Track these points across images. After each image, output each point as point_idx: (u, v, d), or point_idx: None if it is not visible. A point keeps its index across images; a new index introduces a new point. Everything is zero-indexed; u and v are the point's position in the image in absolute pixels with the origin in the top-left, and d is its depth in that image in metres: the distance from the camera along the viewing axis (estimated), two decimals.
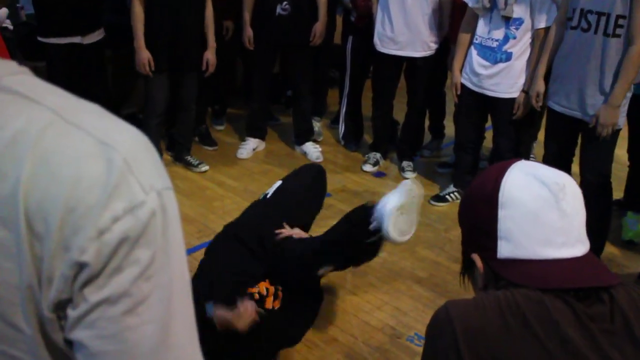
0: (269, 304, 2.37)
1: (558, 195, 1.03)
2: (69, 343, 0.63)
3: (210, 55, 3.96)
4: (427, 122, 4.59)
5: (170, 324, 0.63)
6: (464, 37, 3.67)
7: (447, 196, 3.96)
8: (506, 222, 1.04)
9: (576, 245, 1.04)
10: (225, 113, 5.07)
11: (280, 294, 2.42)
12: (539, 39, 3.35)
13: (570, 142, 3.26)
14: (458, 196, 3.96)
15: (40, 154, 0.59)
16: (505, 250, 1.04)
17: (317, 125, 4.87)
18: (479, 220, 1.08)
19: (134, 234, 0.60)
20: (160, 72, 3.79)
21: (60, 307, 0.60)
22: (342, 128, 4.71)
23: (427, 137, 4.69)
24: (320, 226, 2.81)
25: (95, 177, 0.59)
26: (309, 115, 4.63)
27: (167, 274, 0.63)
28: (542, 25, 3.32)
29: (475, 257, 1.09)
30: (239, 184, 4.08)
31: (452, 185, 4.00)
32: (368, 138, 4.72)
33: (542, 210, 1.03)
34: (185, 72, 3.92)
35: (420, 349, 2.62)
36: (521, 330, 0.97)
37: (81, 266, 0.58)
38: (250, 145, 4.51)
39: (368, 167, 4.37)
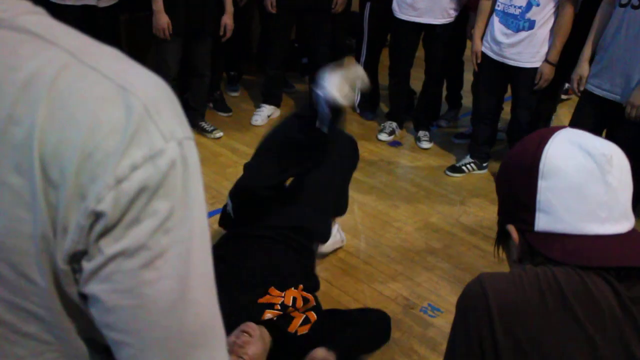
0: (294, 326, 2.09)
1: (604, 167, 0.96)
2: (84, 297, 0.61)
3: (228, 20, 3.92)
4: (444, 92, 4.53)
5: (189, 280, 0.61)
6: (485, 4, 3.59)
7: (464, 167, 3.92)
8: (546, 194, 0.98)
9: (620, 221, 0.98)
10: (240, 79, 5.02)
11: (312, 317, 2.14)
12: (563, 6, 3.26)
13: (599, 126, 3.11)
14: (474, 167, 3.91)
15: (56, 97, 0.56)
16: (543, 223, 0.99)
17: None
18: (517, 190, 1.03)
19: (153, 183, 0.57)
20: (176, 35, 3.75)
21: (75, 259, 0.58)
22: (358, 97, 4.66)
23: (444, 107, 4.63)
24: None
25: (114, 122, 0.56)
26: None
27: (186, 228, 0.60)
28: None
29: (511, 229, 1.04)
30: (253, 150, 4.04)
31: (468, 156, 3.95)
32: (384, 107, 4.67)
33: (586, 182, 0.96)
34: (201, 38, 3.87)
35: (433, 320, 2.61)
36: (560, 311, 0.92)
37: (97, 216, 0.56)
38: (265, 112, 4.47)
39: (383, 137, 4.32)
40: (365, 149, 4.19)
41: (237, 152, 4.03)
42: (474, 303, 0.96)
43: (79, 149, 0.55)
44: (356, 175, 3.68)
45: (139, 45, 4.32)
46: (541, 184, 0.99)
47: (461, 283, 2.85)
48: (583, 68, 3.11)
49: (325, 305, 2.65)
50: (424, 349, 2.47)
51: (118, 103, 0.57)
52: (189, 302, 0.62)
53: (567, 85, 4.55)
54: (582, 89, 3.11)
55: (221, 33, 3.93)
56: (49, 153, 0.55)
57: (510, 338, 0.91)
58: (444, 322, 2.62)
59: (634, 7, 2.79)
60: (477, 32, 3.64)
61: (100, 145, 0.55)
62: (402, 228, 3.30)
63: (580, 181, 0.96)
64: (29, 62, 0.57)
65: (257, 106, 4.55)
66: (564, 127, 1.05)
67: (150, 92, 0.59)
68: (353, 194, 3.25)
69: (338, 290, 2.78)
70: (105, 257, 0.57)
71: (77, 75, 0.57)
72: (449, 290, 2.82)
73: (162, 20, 3.66)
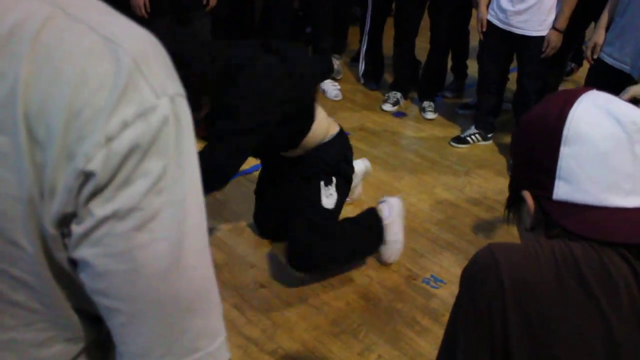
0: None
1: (633, 136, 0.89)
2: (74, 263, 0.59)
3: None
4: (449, 62, 4.48)
5: (184, 243, 0.59)
6: None
7: (468, 138, 3.88)
8: (569, 161, 0.91)
9: None
10: None
11: None
12: None
13: None
14: (479, 138, 3.88)
15: (41, 51, 0.53)
16: (563, 191, 0.92)
17: (336, 63, 4.76)
18: (537, 155, 0.95)
19: (145, 141, 0.54)
20: (161, 15, 3.58)
21: (64, 222, 0.56)
22: (362, 66, 4.61)
23: (450, 77, 4.58)
24: None
25: (103, 77, 0.53)
26: (329, 53, 4.53)
27: (180, 189, 0.58)
28: None
29: (527, 195, 0.97)
30: None
31: (473, 127, 3.92)
32: (388, 77, 4.62)
33: (612, 151, 0.89)
34: (191, 12, 3.70)
35: (435, 291, 2.61)
36: (576, 287, 0.86)
37: (87, 176, 0.53)
38: None
39: (388, 107, 4.28)
40: (369, 119, 4.16)
41: None
42: (484, 275, 0.89)
43: (66, 105, 0.52)
44: (360, 145, 3.66)
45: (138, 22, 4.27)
46: (564, 150, 0.91)
47: (465, 254, 2.85)
48: (599, 35, 3.02)
49: (328, 278, 2.66)
50: (427, 320, 2.48)
51: (106, 56, 0.54)
52: (183, 266, 0.59)
53: (571, 65, 4.48)
54: (595, 56, 3.03)
55: (204, 2, 3.72)
56: (34, 110, 0.53)
57: (521, 313, 0.86)
58: (446, 294, 2.62)
59: None
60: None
61: (89, 101, 0.53)
62: (406, 199, 3.27)
63: (607, 150, 0.89)
64: (9, 13, 0.54)
65: None
66: (590, 88, 0.97)
67: (139, 45, 0.56)
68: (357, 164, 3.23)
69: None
70: (96, 220, 0.55)
71: (62, 28, 0.54)
72: (452, 262, 2.81)
73: None
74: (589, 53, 3.08)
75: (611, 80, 2.90)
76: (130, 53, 0.55)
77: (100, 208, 0.55)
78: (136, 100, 0.54)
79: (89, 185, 0.54)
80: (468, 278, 0.93)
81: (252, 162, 3.45)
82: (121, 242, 0.56)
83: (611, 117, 0.90)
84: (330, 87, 4.43)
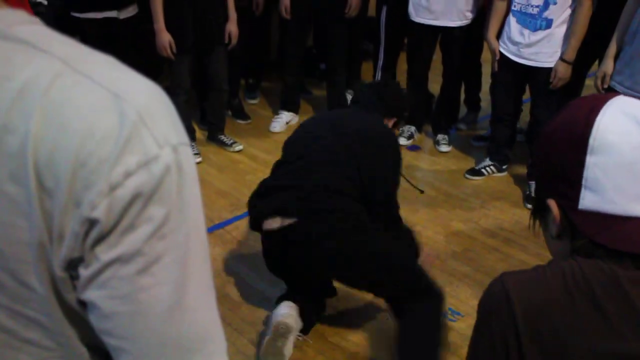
0: None
1: None
2: (82, 304, 0.62)
3: (232, 27, 3.85)
4: (462, 95, 4.51)
5: (186, 286, 0.61)
6: (499, 5, 3.56)
7: (483, 170, 3.90)
8: (595, 171, 0.88)
9: None
10: (259, 86, 5.05)
11: None
12: (581, 4, 3.23)
13: None
14: (494, 170, 3.89)
15: (50, 106, 0.56)
16: (589, 201, 0.89)
17: (351, 98, 4.82)
18: (562, 164, 0.92)
19: (148, 189, 0.57)
20: (185, 52, 3.70)
21: (72, 265, 0.59)
22: None
23: (463, 110, 4.62)
24: None
25: (107, 130, 0.56)
26: (343, 89, 4.59)
27: (182, 234, 0.60)
28: None
29: (552, 204, 0.94)
30: (272, 157, 4.04)
31: (487, 159, 3.93)
32: None
33: None
34: (213, 51, 3.83)
35: (453, 324, 2.60)
36: (590, 309, 0.85)
37: (92, 223, 0.56)
38: (284, 119, 4.50)
39: (402, 141, 4.31)
40: None
41: (257, 160, 4.05)
42: (497, 306, 0.90)
43: (73, 156, 0.56)
44: None
45: (159, 55, 4.38)
46: (590, 160, 0.88)
47: (481, 286, 2.83)
48: (607, 65, 3.06)
49: (340, 308, 2.66)
50: (445, 354, 2.47)
51: (111, 110, 0.57)
52: (186, 308, 0.62)
53: None
54: (606, 86, 3.06)
55: (226, 41, 3.86)
56: (43, 161, 0.56)
57: (536, 341, 0.86)
58: (464, 326, 2.61)
59: None
60: (491, 31, 3.61)
61: (94, 152, 0.56)
62: (422, 232, 3.29)
63: (635, 159, 0.87)
64: (22, 71, 0.57)
65: (276, 113, 4.58)
66: (616, 94, 0.94)
67: (143, 98, 0.59)
68: None
69: (355, 294, 2.78)
70: (102, 264, 0.58)
71: (70, 84, 0.57)
72: (469, 294, 2.81)
73: (164, 38, 3.60)
74: (599, 83, 3.11)
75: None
76: (134, 106, 0.58)
77: (105, 253, 0.58)
78: (139, 151, 0.57)
79: (94, 232, 0.57)
80: (482, 309, 0.94)
81: None
82: (125, 285, 0.59)
83: (639, 125, 0.88)
84: None
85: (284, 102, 4.54)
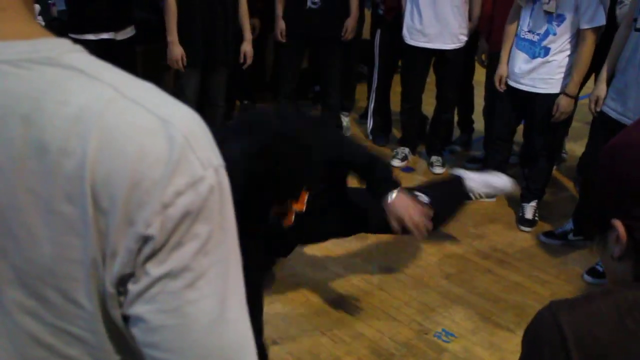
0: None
1: None
2: (125, 319, 0.64)
3: (247, 47, 3.93)
4: (455, 117, 4.55)
5: (227, 299, 0.65)
6: (510, 29, 3.57)
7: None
8: None
9: None
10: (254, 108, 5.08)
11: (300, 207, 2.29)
12: (584, 40, 3.25)
13: None
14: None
15: (105, 130, 0.60)
16: None
17: (345, 120, 4.86)
18: (630, 180, 0.88)
19: (195, 208, 0.61)
20: (194, 66, 3.77)
21: (122, 282, 0.62)
22: (370, 123, 4.69)
23: (457, 132, 4.65)
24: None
25: (159, 153, 0.60)
26: (338, 111, 4.62)
27: (224, 250, 0.64)
28: (586, 26, 3.21)
29: (617, 224, 0.89)
30: None
31: None
32: (396, 133, 4.70)
33: None
34: (218, 68, 3.88)
35: (447, 345, 2.61)
36: None
37: (146, 239, 0.60)
38: None
39: (396, 162, 4.34)
40: None
41: None
42: (548, 335, 0.86)
43: (128, 179, 0.59)
44: None
45: (155, 76, 4.41)
46: None
47: (475, 308, 2.85)
48: (600, 89, 3.10)
49: (339, 333, 2.66)
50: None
51: (161, 134, 0.61)
52: (227, 320, 0.65)
53: None
54: (599, 109, 3.10)
55: (241, 61, 3.94)
56: (99, 183, 0.59)
57: None
58: (458, 348, 2.62)
59: None
60: (504, 56, 3.59)
61: (148, 174, 0.59)
62: (416, 253, 3.30)
63: None
64: (77, 97, 0.61)
65: None
66: None
67: (188, 123, 0.63)
68: None
69: (351, 317, 2.78)
70: (152, 279, 0.61)
71: (122, 109, 0.61)
72: (462, 316, 2.81)
73: (177, 51, 3.68)
74: (592, 106, 3.14)
75: (616, 133, 2.93)
76: (181, 131, 0.62)
77: (155, 268, 0.61)
78: (187, 172, 0.61)
79: (147, 248, 0.60)
80: (531, 340, 0.90)
81: None
82: (173, 299, 0.62)
83: None
84: None
85: None
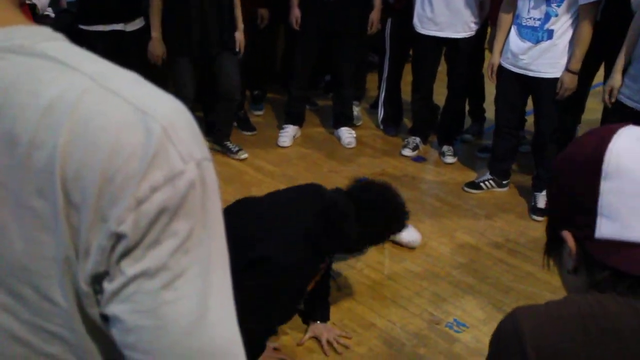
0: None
1: None
2: (105, 318, 0.62)
3: (240, 37, 3.89)
4: (467, 106, 4.52)
5: (208, 300, 0.61)
6: (504, 17, 3.57)
7: (482, 184, 3.87)
8: (610, 197, 0.86)
9: None
10: (264, 98, 5.07)
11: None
12: (583, 15, 3.23)
13: None
14: (493, 184, 3.87)
15: (78, 122, 0.57)
16: (606, 229, 0.87)
17: (356, 109, 4.83)
18: (576, 193, 0.90)
19: (173, 204, 0.58)
20: (186, 55, 3.75)
21: (97, 280, 0.59)
22: (381, 112, 4.67)
23: (468, 121, 4.62)
24: None
25: (134, 146, 0.57)
26: (350, 102, 4.60)
27: (206, 249, 0.61)
28: (584, 1, 3.18)
29: (567, 235, 0.91)
30: (277, 169, 4.09)
31: (488, 173, 3.92)
32: (407, 122, 4.68)
33: None
34: (218, 56, 3.84)
35: (458, 336, 2.60)
36: (608, 346, 0.82)
37: (119, 237, 0.57)
38: (290, 133, 4.48)
39: (407, 152, 4.32)
40: (389, 165, 4.20)
41: (262, 171, 4.06)
42: (507, 345, 0.86)
43: (101, 172, 0.56)
44: None
45: (164, 67, 4.41)
46: (604, 186, 0.86)
47: (487, 298, 2.84)
48: (615, 79, 3.07)
49: (350, 324, 2.66)
50: None
51: (138, 127, 0.58)
52: (209, 322, 0.62)
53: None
54: (613, 100, 3.07)
55: (237, 49, 3.90)
56: (70, 176, 0.57)
57: None
58: (469, 338, 2.61)
59: None
60: (497, 45, 3.62)
61: (121, 168, 0.56)
62: (427, 243, 3.29)
63: None
64: (50, 87, 0.58)
65: (281, 124, 4.58)
66: (628, 123, 0.92)
67: (169, 115, 0.60)
68: None
69: (363, 307, 2.78)
70: (127, 278, 0.58)
71: (97, 100, 0.58)
72: (474, 305, 2.80)
73: (158, 48, 3.69)
74: (606, 97, 3.11)
75: (635, 123, 2.90)
76: (160, 123, 0.59)
77: (130, 267, 0.58)
78: (165, 166, 0.58)
79: (120, 246, 0.58)
80: (493, 348, 0.90)
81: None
82: (150, 299, 0.59)
83: None
84: (345, 135, 4.48)
85: (289, 114, 4.54)
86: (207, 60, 3.88)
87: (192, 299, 0.60)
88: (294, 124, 4.52)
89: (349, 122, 4.58)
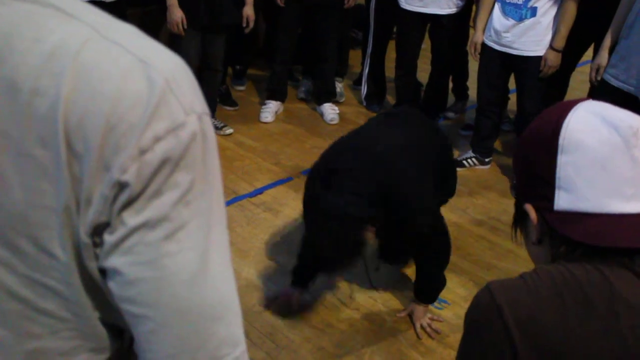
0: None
1: (630, 140, 0.88)
2: (103, 273, 0.61)
3: (249, 11, 3.88)
4: (450, 84, 4.51)
5: (209, 253, 0.62)
6: None
7: (465, 161, 3.88)
8: (567, 169, 0.89)
9: None
10: (246, 73, 5.02)
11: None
12: None
13: None
14: (476, 162, 3.87)
15: (81, 70, 0.56)
16: (564, 201, 0.90)
17: (339, 86, 4.80)
18: (535, 166, 0.94)
19: (175, 155, 0.58)
20: (195, 28, 3.70)
21: (98, 231, 0.59)
22: (364, 89, 4.65)
23: (451, 99, 4.61)
24: None
25: (137, 94, 0.57)
26: (332, 77, 4.56)
27: (206, 202, 0.61)
28: None
29: (529, 208, 0.95)
30: (259, 144, 4.06)
31: (470, 151, 3.92)
32: (391, 99, 4.66)
33: (610, 157, 0.87)
34: (218, 31, 3.82)
35: (440, 312, 2.62)
36: (584, 314, 0.84)
37: (121, 186, 0.57)
38: (273, 108, 4.44)
39: None
40: None
41: (244, 146, 4.03)
42: (486, 318, 0.88)
43: (104, 121, 0.56)
44: None
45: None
46: (561, 159, 0.90)
47: (468, 275, 2.85)
48: (602, 57, 3.07)
49: (332, 300, 2.66)
50: (431, 341, 2.48)
51: (140, 76, 0.57)
52: (209, 275, 0.62)
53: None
54: (599, 78, 3.07)
55: (244, 24, 3.89)
56: (73, 125, 0.56)
57: (532, 348, 0.84)
58: (450, 314, 2.62)
59: None
60: (480, 23, 3.60)
61: (124, 117, 0.56)
62: None
63: (604, 155, 0.88)
64: (53, 34, 0.57)
65: (263, 100, 4.54)
66: (585, 99, 0.95)
67: (171, 67, 0.60)
68: None
69: (344, 282, 2.78)
70: (128, 229, 0.58)
71: (100, 49, 0.58)
72: (456, 282, 2.81)
73: (177, 14, 3.60)
74: (593, 75, 3.11)
75: (616, 102, 2.89)
76: (162, 73, 0.58)
77: (132, 218, 0.58)
78: (167, 117, 0.58)
79: (123, 195, 0.57)
80: (471, 321, 0.92)
81: (256, 185, 3.47)
82: (151, 250, 0.59)
83: (606, 123, 0.89)
84: (328, 111, 4.45)
85: (271, 91, 4.49)
86: (215, 31, 3.81)
87: (193, 251, 0.60)
88: (276, 99, 4.48)
89: (331, 97, 4.55)
